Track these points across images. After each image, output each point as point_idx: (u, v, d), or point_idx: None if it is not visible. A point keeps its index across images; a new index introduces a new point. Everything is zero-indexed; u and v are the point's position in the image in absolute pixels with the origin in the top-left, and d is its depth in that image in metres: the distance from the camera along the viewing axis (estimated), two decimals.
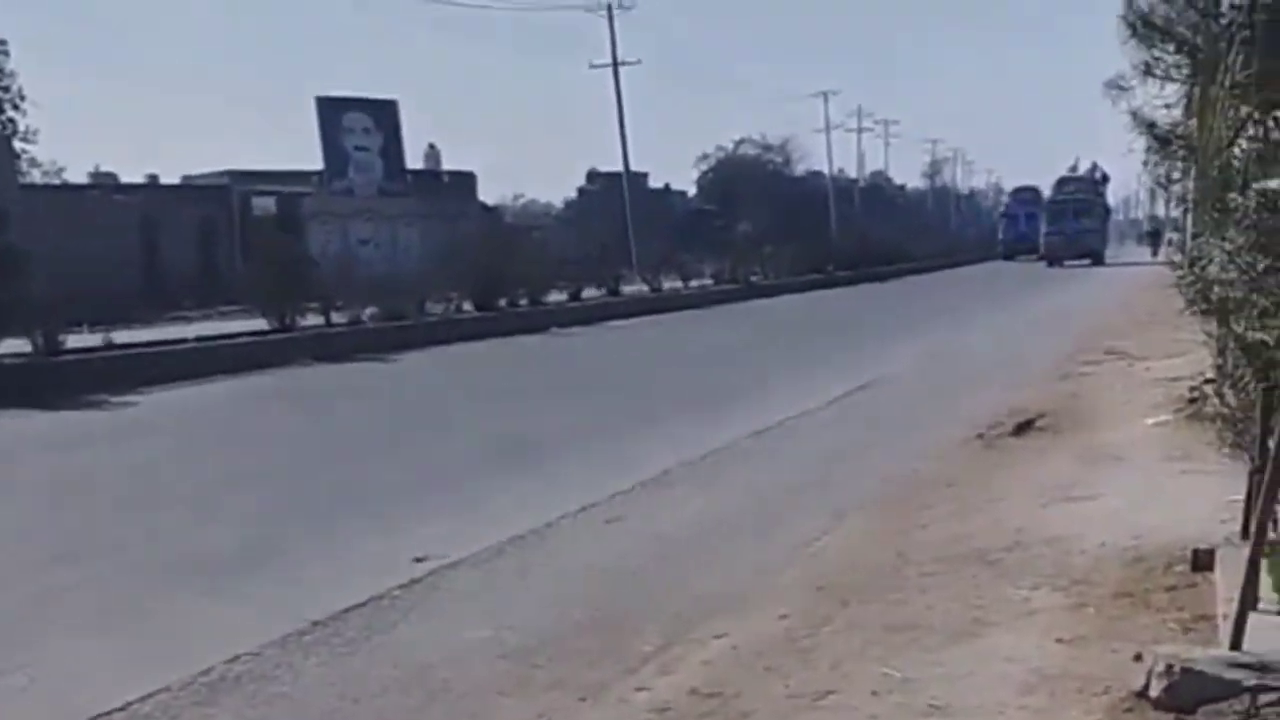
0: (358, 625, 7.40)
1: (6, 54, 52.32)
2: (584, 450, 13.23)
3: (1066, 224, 64.72)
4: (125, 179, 51.65)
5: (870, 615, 6.86)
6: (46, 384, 18.43)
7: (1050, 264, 61.89)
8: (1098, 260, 63.55)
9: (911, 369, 19.67)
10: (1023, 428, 12.94)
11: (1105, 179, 71.47)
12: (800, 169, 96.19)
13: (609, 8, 65.89)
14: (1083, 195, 67.16)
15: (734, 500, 10.54)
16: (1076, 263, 61.30)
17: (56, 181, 52.65)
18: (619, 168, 68.38)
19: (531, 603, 7.75)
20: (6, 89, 52.50)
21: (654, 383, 19.42)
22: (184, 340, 23.68)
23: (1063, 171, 72.33)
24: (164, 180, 51.83)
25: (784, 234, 57.90)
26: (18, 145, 50.94)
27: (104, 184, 50.64)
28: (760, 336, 27.39)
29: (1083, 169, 72.88)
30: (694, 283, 44.93)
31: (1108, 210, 74.11)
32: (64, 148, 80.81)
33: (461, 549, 8.90)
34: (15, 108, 52.64)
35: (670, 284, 43.22)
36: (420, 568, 8.48)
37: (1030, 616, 6.58)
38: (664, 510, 10.18)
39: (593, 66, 67.12)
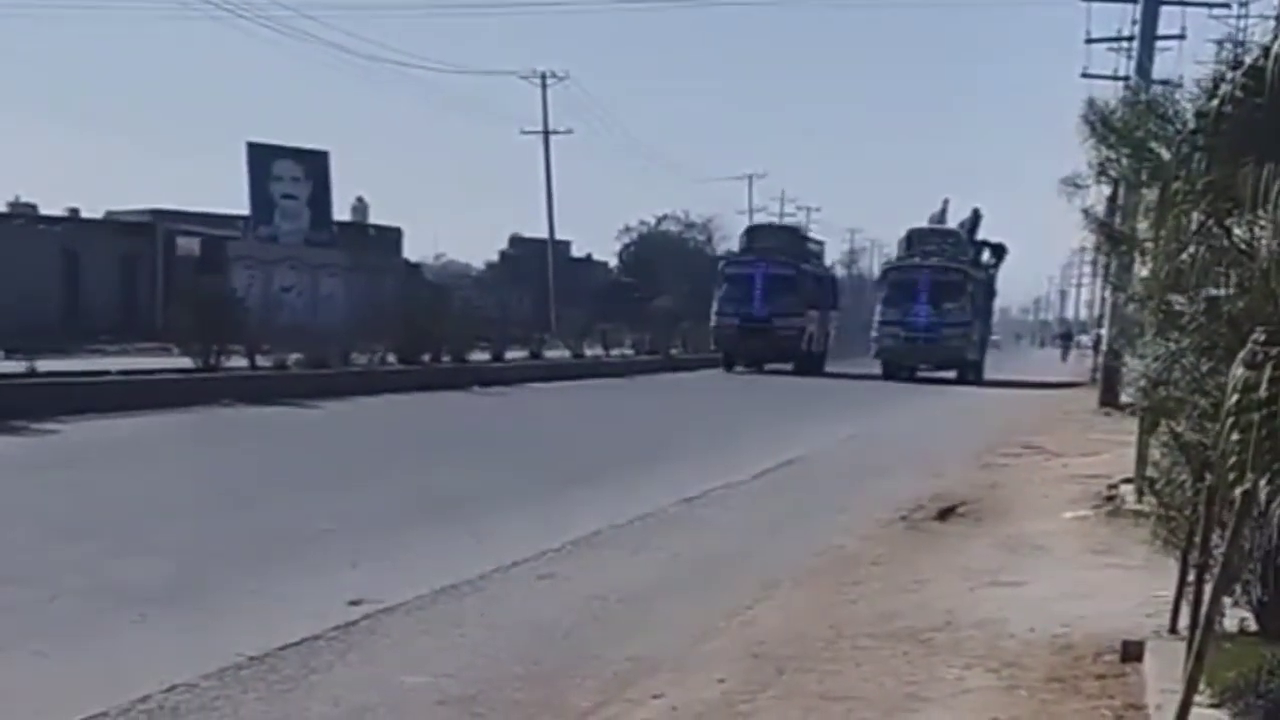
0: (295, 663, 7.41)
1: None
2: (511, 507, 13.27)
3: (914, 309, 43.66)
4: (46, 211, 51.19)
5: (807, 684, 6.98)
6: None
7: (887, 375, 43.21)
8: (968, 372, 44.03)
9: (831, 449, 19.87)
10: (945, 513, 13.15)
11: (988, 247, 49.52)
12: (722, 248, 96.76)
13: (543, 77, 66.46)
14: (947, 260, 44.91)
15: (665, 565, 10.64)
16: (932, 373, 44.51)
17: None
18: (543, 234, 68.68)
19: (467, 653, 7.80)
20: None
21: (579, 445, 19.49)
22: (107, 373, 23.49)
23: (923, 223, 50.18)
24: (86, 214, 51.43)
25: (703, 310, 58.42)
26: None
27: (24, 213, 50.19)
28: (682, 408, 27.54)
29: (954, 216, 51.55)
30: (615, 351, 45.14)
31: (991, 291, 50.03)
32: None
33: (395, 595, 8.92)
34: None
35: (591, 351, 43.39)
36: (355, 611, 8.50)
37: (964, 695, 6.72)
38: (595, 571, 10.25)
39: (524, 133, 67.62)
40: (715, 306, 45.55)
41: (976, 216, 49.73)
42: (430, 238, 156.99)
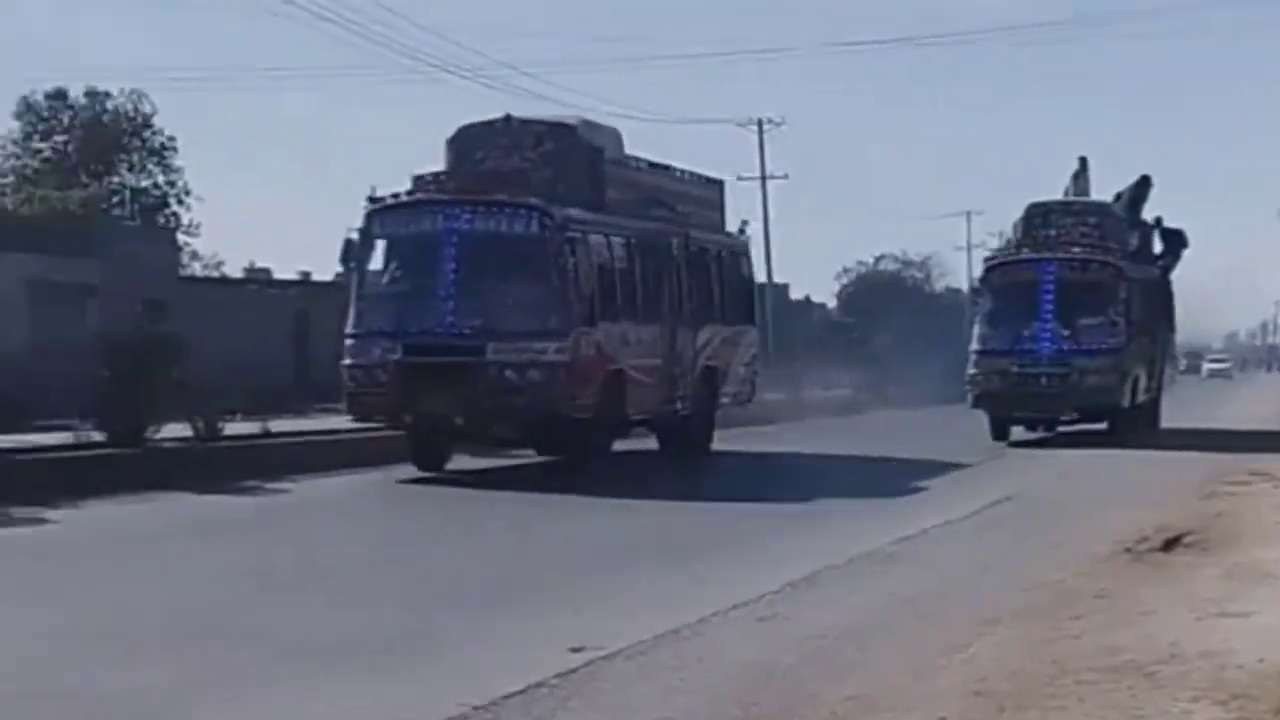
0: (518, 711, 7.55)
1: (175, 150, 54.08)
2: (730, 549, 13.38)
3: (1031, 329, 28.11)
4: (279, 274, 52.80)
5: None
6: (204, 469, 18.90)
7: (996, 433, 28.30)
8: (1125, 421, 28.84)
9: (1047, 484, 19.60)
10: (1170, 543, 12.89)
11: (1160, 232, 32.74)
12: (940, 285, 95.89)
13: (759, 123, 66.65)
14: (1087, 249, 29.22)
15: (883, 603, 10.61)
16: (1065, 426, 29.62)
17: (215, 274, 53.99)
18: (761, 278, 68.78)
19: (687, 696, 7.87)
20: (173, 184, 54.20)
21: (798, 487, 19.49)
22: (335, 431, 24.14)
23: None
24: (316, 277, 52.89)
25: (922, 349, 57.84)
26: (181, 238, 52.50)
27: (259, 278, 51.81)
28: (899, 446, 27.36)
29: (1099, 187, 33.57)
30: (834, 391, 45.07)
31: (1165, 296, 33.31)
32: (223, 242, 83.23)
33: (616, 641, 9.04)
34: (180, 202, 54.34)
35: (809, 392, 43.37)
36: (577, 658, 8.64)
37: None
38: (813, 611, 10.27)
39: (740, 179, 67.76)
40: (975, 342, 28.72)
41: (1143, 185, 32.45)
42: None
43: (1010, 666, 8.15)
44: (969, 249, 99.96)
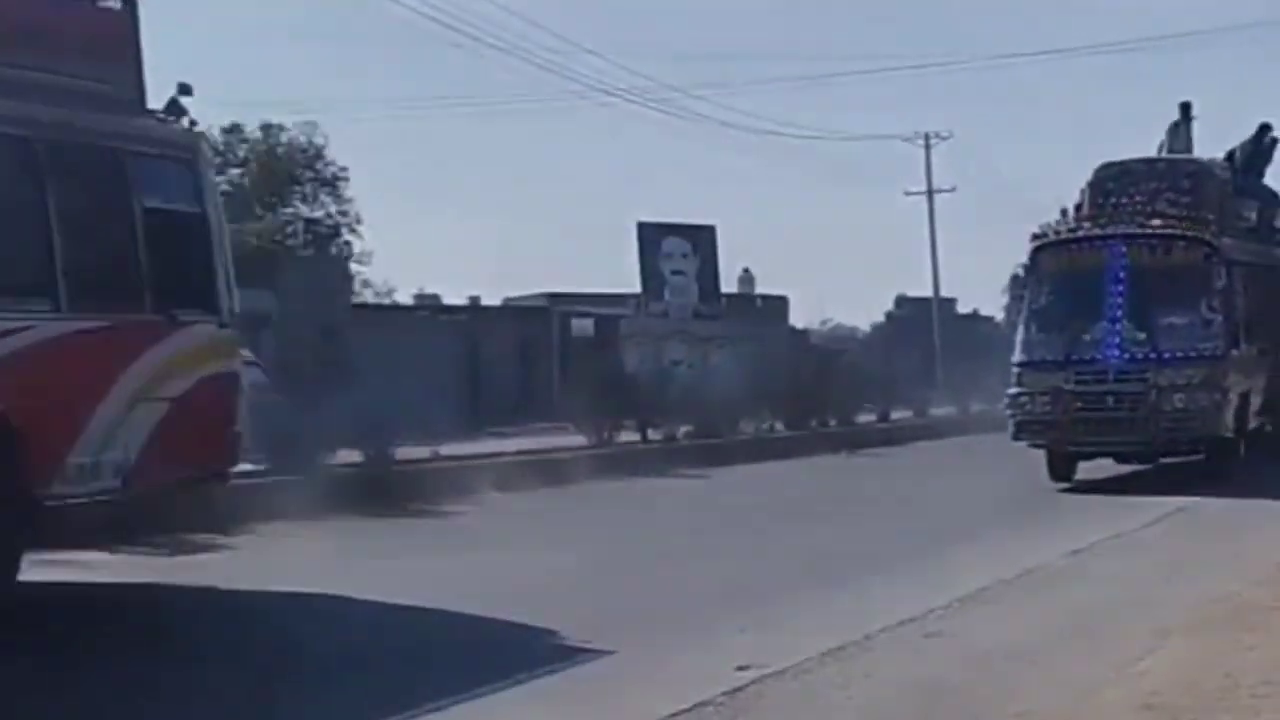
0: None
1: (346, 180, 55.16)
2: (896, 567, 13.32)
3: (1096, 333, 21.23)
4: (448, 300, 53.58)
5: None
6: (378, 492, 19.19)
7: (1054, 473, 21.47)
8: (1227, 453, 21.51)
9: (1220, 495, 19.15)
10: None
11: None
12: None
13: (926, 137, 66.22)
14: (1172, 221, 21.75)
15: (1053, 618, 10.50)
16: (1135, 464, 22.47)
17: (387, 302, 54.94)
18: (927, 292, 68.30)
19: (853, 714, 7.87)
20: (345, 213, 55.27)
21: (963, 502, 19.32)
22: (503, 454, 24.44)
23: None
24: (485, 302, 53.60)
25: None
26: (353, 267, 53.53)
27: (429, 304, 52.64)
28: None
29: (1203, 142, 25.37)
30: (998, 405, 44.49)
31: None
32: (394, 269, 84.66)
33: (781, 660, 9.05)
34: (352, 231, 55.40)
35: (979, 407, 42.86)
36: (743, 676, 8.66)
37: None
38: (982, 626, 10.19)
39: (907, 194, 67.39)
40: (1017, 351, 21.75)
41: (1265, 138, 25.03)
42: (816, 303, 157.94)
43: (1182, 680, 8.03)
44: None
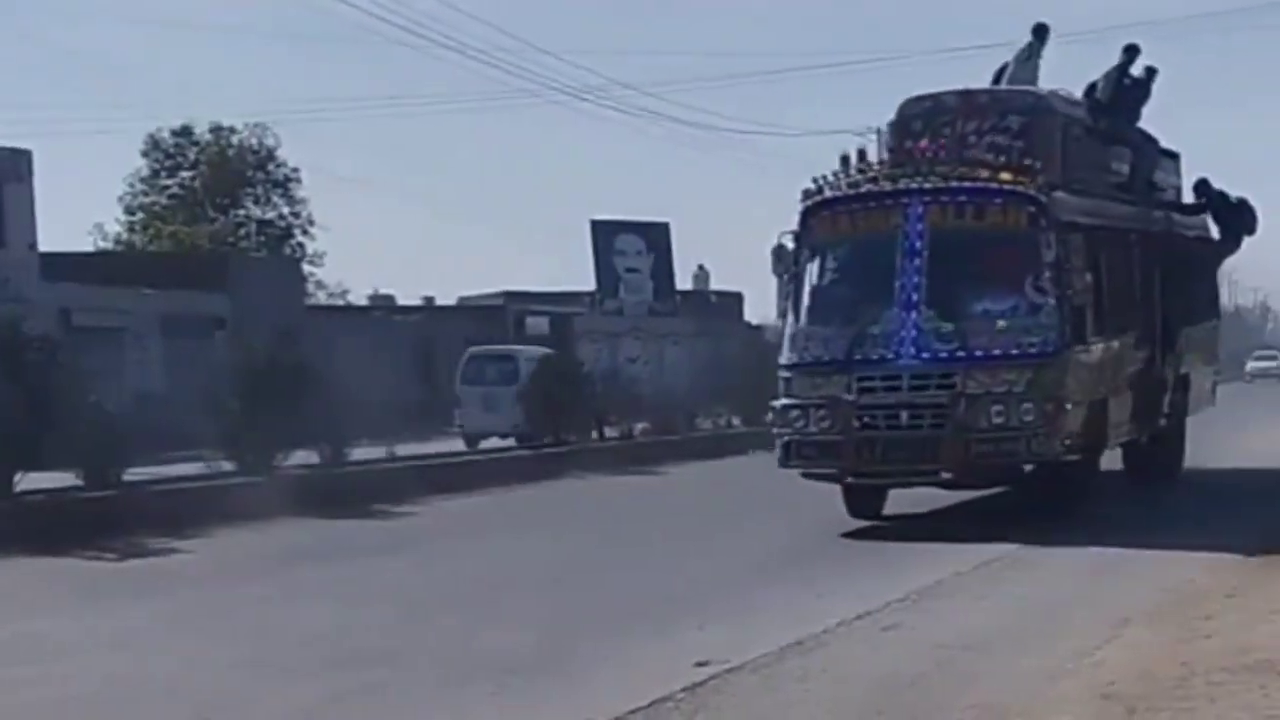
0: None
1: (299, 181, 55.01)
2: (853, 562, 13.34)
3: (886, 323, 15.44)
4: (403, 300, 53.49)
5: None
6: (332, 494, 19.12)
7: (855, 507, 16.12)
8: (1064, 487, 15.74)
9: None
10: None
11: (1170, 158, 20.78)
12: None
13: (878, 133, 66.28)
14: (991, 173, 15.63)
15: (1009, 609, 10.54)
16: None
17: (341, 303, 54.80)
18: None
19: (812, 707, 7.87)
20: (298, 215, 55.12)
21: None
22: (459, 454, 24.39)
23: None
24: (440, 301, 53.51)
25: None
26: (306, 268, 53.34)
27: (384, 305, 52.50)
28: None
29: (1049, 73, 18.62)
30: None
31: (1203, 266, 21.05)
32: (347, 271, 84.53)
33: (740, 654, 9.04)
34: (305, 233, 55.25)
35: None
36: (702, 671, 8.65)
37: None
38: (939, 619, 10.20)
39: None
40: (786, 348, 16.31)
41: (1133, 68, 18.84)
42: (769, 300, 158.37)
43: (1139, 669, 8.06)
44: None
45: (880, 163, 16.67)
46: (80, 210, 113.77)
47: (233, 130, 53.90)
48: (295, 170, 54.99)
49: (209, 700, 8.63)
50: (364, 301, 55.31)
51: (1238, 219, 20.27)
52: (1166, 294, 18.71)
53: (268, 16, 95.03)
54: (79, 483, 17.49)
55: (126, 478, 18.13)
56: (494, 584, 12.88)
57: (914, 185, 15.65)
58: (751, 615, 10.67)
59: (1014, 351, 15.00)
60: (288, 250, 54.01)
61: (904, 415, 15.11)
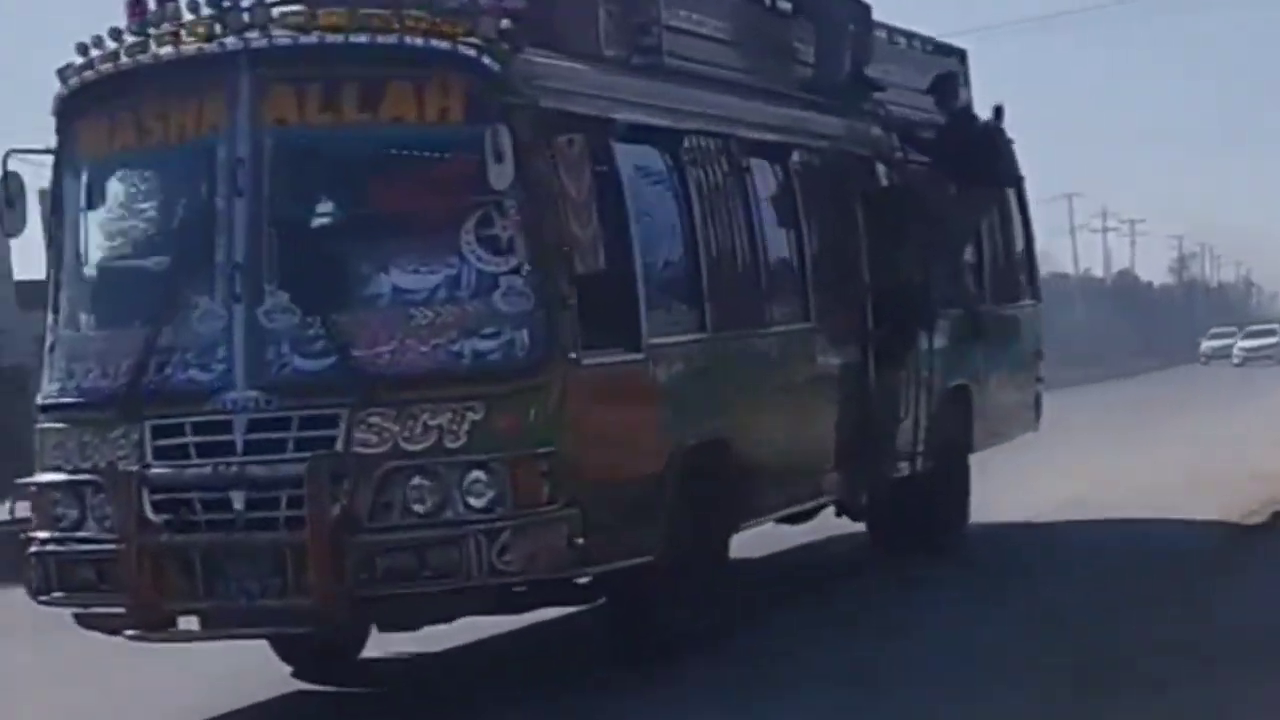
0: None
1: None
2: None
3: (234, 308, 7.52)
4: None
5: None
6: None
7: (296, 666, 9.00)
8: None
9: None
10: None
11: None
12: (1044, 272, 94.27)
13: None
14: (391, 30, 7.37)
15: None
16: None
17: None
18: None
19: None
20: None
21: None
22: None
23: None
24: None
25: None
26: None
27: None
28: None
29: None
30: None
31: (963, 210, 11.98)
32: None
33: None
34: None
35: None
36: None
37: None
38: None
39: None
40: (45, 372, 8.36)
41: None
42: None
43: None
44: (1073, 232, 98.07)
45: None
46: None
47: None
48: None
49: None
50: None
51: (983, 156, 11.92)
52: (902, 258, 11.34)
53: None
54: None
55: None
56: None
57: (242, 44, 7.78)
58: None
59: (454, 368, 7.57)
60: None
61: (238, 500, 7.54)
